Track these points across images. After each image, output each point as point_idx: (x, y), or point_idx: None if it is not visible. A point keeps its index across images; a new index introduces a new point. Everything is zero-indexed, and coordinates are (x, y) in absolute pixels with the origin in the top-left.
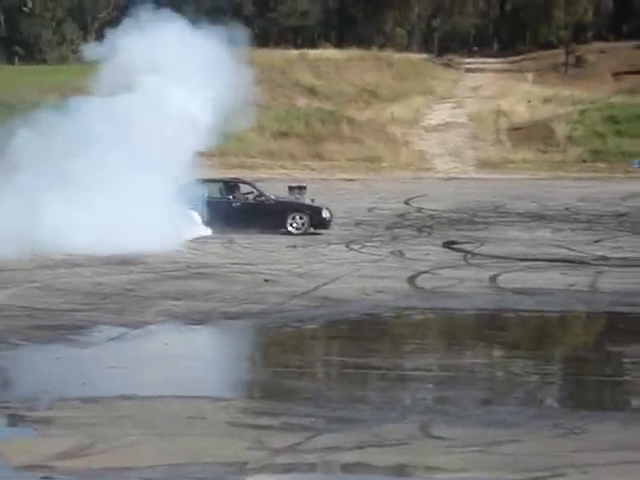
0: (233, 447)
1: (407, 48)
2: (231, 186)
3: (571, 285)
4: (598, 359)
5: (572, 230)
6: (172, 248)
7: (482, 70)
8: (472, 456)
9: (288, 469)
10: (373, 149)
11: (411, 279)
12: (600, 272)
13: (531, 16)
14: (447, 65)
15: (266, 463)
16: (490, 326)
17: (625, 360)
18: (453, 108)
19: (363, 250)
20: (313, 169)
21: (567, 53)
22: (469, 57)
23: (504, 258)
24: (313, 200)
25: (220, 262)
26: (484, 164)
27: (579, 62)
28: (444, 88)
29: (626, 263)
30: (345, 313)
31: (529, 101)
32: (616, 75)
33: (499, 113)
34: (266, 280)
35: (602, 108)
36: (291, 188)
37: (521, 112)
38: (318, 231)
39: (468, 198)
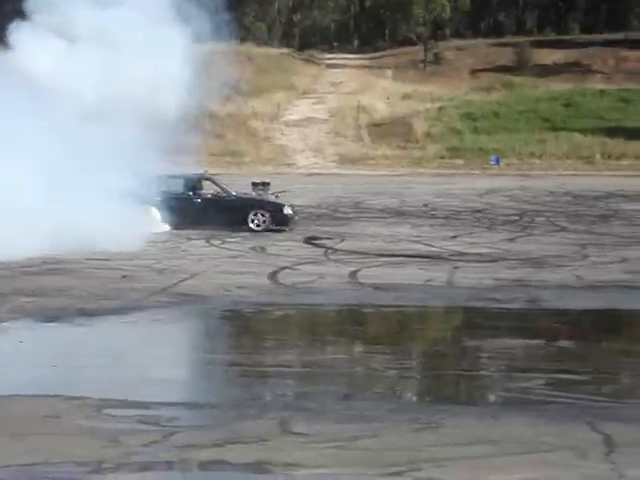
0: (88, 446)
1: (267, 43)
2: (193, 182)
3: (429, 280)
4: (455, 353)
5: (430, 226)
6: (127, 246)
7: (343, 66)
8: (331, 451)
9: (144, 467)
10: (234, 144)
11: (272, 275)
12: (457, 267)
13: (390, 13)
14: (308, 60)
15: (122, 462)
16: (350, 321)
17: (481, 354)
18: (314, 103)
19: (224, 246)
20: (174, 163)
21: (426, 50)
22: (330, 53)
23: (364, 254)
24: (277, 196)
25: (76, 258)
26: (345, 160)
27: (437, 59)
28: (305, 83)
29: (482, 259)
30: (205, 309)
31: (388, 98)
32: (473, 72)
33: (359, 109)
34: (124, 276)
35: (460, 105)
36: (255, 184)
37: (381, 108)
38: (280, 228)
39: (329, 194)
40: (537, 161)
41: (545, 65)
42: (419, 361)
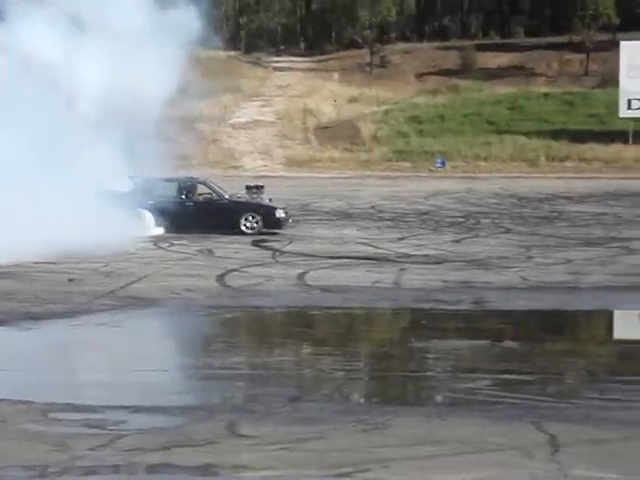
0: (34, 450)
1: (214, 45)
2: (186, 185)
3: (376, 282)
4: (402, 355)
5: (377, 228)
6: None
7: (289, 69)
8: (278, 453)
9: (90, 471)
10: (182, 146)
11: (220, 277)
12: (404, 269)
13: (336, 16)
14: (255, 63)
15: (68, 466)
16: (298, 324)
17: (428, 355)
18: (261, 106)
19: (171, 248)
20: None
21: (372, 53)
22: (277, 56)
23: (312, 256)
24: (270, 200)
25: (21, 261)
26: (292, 162)
27: (383, 62)
28: (252, 86)
29: (428, 260)
30: (152, 312)
31: (335, 100)
32: (419, 76)
33: (306, 112)
34: (70, 279)
35: (406, 108)
36: (248, 187)
37: (328, 111)
38: (273, 231)
39: (276, 196)
40: (482, 163)
41: (490, 68)
42: (367, 362)
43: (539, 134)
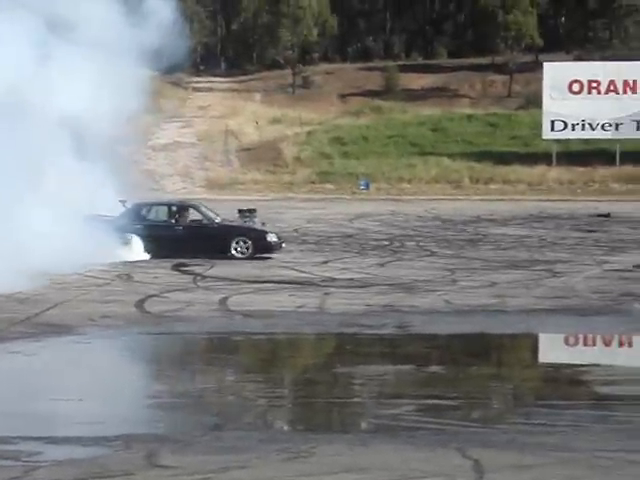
0: None
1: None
2: (176, 209)
3: (300, 307)
4: (326, 381)
5: (301, 251)
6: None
7: (210, 89)
8: None
9: None
10: (101, 169)
11: (139, 303)
12: (328, 293)
13: (258, 36)
14: (175, 83)
15: None
16: (220, 350)
17: (352, 381)
18: (182, 127)
19: (89, 274)
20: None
21: (294, 74)
22: (197, 76)
23: (234, 280)
24: (263, 224)
25: None
26: (214, 184)
27: (306, 83)
28: (172, 107)
29: (352, 284)
30: (68, 340)
31: (257, 122)
32: (342, 97)
33: (228, 133)
34: None
35: (329, 129)
36: (241, 211)
37: (250, 132)
38: (265, 255)
39: None
40: (406, 185)
41: (413, 90)
42: (290, 389)
43: (463, 156)
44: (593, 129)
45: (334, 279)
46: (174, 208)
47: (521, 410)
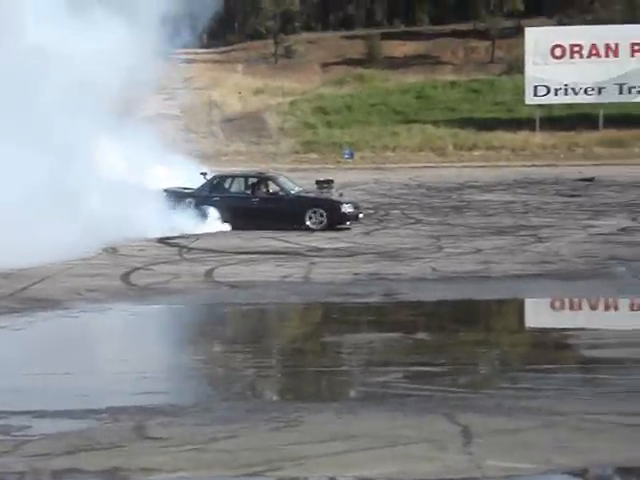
0: None
1: None
2: (254, 181)
3: (286, 277)
4: (314, 350)
5: None
6: None
7: (192, 61)
8: (188, 455)
9: None
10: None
11: (125, 276)
12: (314, 263)
13: (239, 6)
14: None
15: None
16: (207, 321)
17: (340, 350)
18: (165, 100)
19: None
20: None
21: (276, 44)
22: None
23: (220, 252)
24: (341, 194)
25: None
26: (200, 156)
27: (288, 53)
28: (156, 79)
29: (339, 253)
30: (55, 314)
31: (239, 93)
32: (325, 66)
33: (211, 105)
34: None
35: (312, 99)
36: (318, 182)
37: (233, 103)
38: (339, 226)
39: None
40: (391, 154)
41: (396, 57)
42: (278, 359)
43: (446, 123)
44: (576, 94)
45: (320, 249)
46: (252, 180)
47: (508, 375)
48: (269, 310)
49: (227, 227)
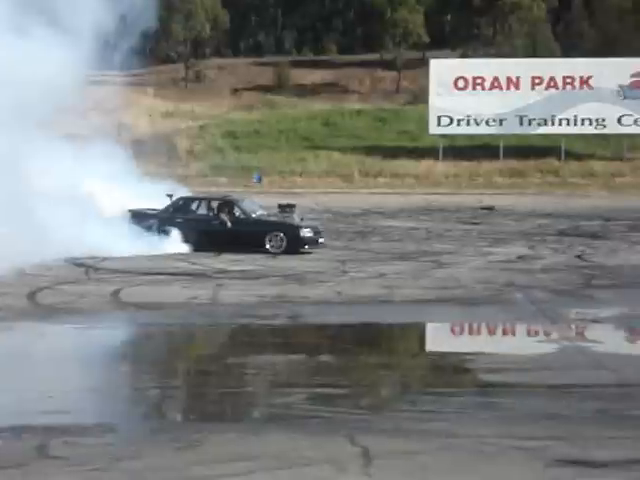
0: None
1: None
2: (216, 203)
3: (193, 298)
4: (219, 371)
5: None
6: None
7: (103, 82)
8: (92, 475)
9: None
10: None
11: (31, 295)
12: (221, 285)
13: (150, 30)
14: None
15: None
16: (113, 341)
17: (245, 371)
18: (74, 121)
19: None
20: None
21: (187, 68)
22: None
23: (127, 272)
24: (302, 219)
25: None
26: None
27: (198, 77)
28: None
29: (245, 276)
30: None
31: (150, 115)
32: (235, 91)
33: (121, 127)
34: None
35: (221, 123)
36: (280, 206)
37: (143, 126)
38: (298, 250)
39: None
40: (298, 179)
41: (304, 85)
42: (183, 380)
43: (353, 150)
44: (478, 124)
45: (226, 271)
46: (215, 202)
47: (408, 397)
48: (175, 331)
49: (186, 248)
